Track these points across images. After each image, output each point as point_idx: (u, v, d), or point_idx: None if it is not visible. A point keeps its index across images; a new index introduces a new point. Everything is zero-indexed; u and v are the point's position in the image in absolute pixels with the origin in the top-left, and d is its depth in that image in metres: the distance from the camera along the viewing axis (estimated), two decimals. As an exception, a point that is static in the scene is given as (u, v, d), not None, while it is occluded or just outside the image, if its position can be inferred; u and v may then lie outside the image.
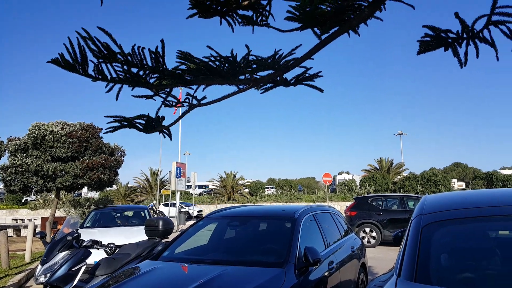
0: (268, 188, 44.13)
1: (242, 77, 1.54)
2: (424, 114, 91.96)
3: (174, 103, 1.58)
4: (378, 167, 39.98)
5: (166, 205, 29.57)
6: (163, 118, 1.60)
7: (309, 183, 70.05)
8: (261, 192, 37.49)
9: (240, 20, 1.45)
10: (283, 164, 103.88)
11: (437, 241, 1.99)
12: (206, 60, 1.46)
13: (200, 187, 45.15)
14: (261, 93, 1.58)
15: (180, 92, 7.55)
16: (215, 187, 38.48)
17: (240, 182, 37.32)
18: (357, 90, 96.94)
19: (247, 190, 37.92)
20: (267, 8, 1.54)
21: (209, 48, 1.43)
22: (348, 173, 62.20)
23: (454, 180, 47.27)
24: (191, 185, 26.85)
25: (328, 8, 1.32)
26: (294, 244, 3.73)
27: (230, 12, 1.57)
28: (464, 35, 1.28)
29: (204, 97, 1.57)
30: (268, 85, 1.54)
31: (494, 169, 41.61)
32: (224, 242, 4.67)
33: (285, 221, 4.26)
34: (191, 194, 31.94)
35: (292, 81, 1.58)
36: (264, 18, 1.50)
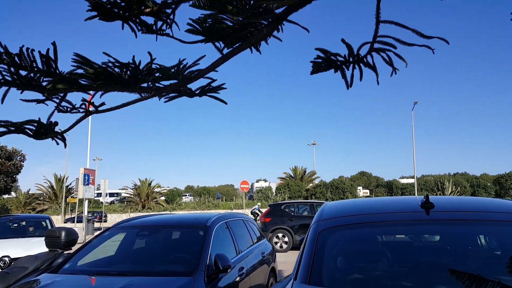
0: (186, 195, 43.35)
1: (145, 85, 1.52)
2: (334, 125, 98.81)
3: (68, 109, 1.49)
4: (292, 175, 41.76)
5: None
6: (55, 123, 1.50)
7: (228, 191, 70.48)
8: (178, 200, 36.68)
9: (139, 28, 1.42)
10: (202, 171, 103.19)
11: (332, 246, 2.14)
12: (105, 66, 1.41)
13: (111, 195, 42.56)
14: (164, 102, 1.57)
15: (90, 96, 7.08)
16: (128, 195, 36.60)
17: (156, 189, 36.08)
18: (275, 100, 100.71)
19: (163, 198, 36.79)
20: (172, 17, 1.54)
21: (105, 54, 1.39)
22: (265, 180, 63.96)
23: (360, 187, 51.40)
24: (101, 193, 25.20)
25: (230, 24, 1.38)
26: (205, 252, 3.73)
27: (134, 18, 1.54)
28: (351, 59, 1.43)
29: (103, 104, 1.51)
30: (172, 94, 1.54)
31: (394, 178, 46.32)
32: (132, 252, 4.47)
33: (198, 229, 4.24)
34: (101, 202, 29.97)
35: (197, 92, 1.60)
36: (168, 27, 1.50)
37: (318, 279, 1.85)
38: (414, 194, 33.36)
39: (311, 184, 40.27)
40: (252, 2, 1.36)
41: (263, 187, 41.64)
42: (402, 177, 58.42)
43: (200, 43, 1.55)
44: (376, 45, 1.38)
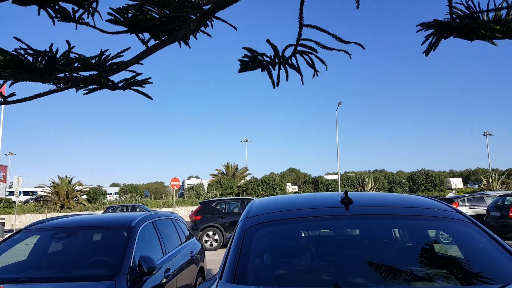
0: (111, 194, 41.25)
1: (62, 75, 1.40)
2: (266, 122, 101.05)
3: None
4: (225, 172, 41.84)
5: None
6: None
7: (157, 188, 68.52)
8: (102, 198, 34.76)
9: (54, 15, 1.31)
10: (130, 168, 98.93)
11: (258, 243, 2.17)
12: (16, 53, 1.28)
13: (26, 193, 39.05)
14: (83, 94, 1.46)
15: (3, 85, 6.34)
16: (45, 194, 33.78)
17: (77, 187, 33.78)
18: (208, 96, 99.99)
19: (85, 196, 34.59)
20: (94, 5, 1.45)
21: (17, 39, 1.26)
22: (197, 177, 63.29)
23: (289, 183, 53.16)
24: (13, 191, 22.96)
25: (156, 16, 1.33)
26: (128, 254, 3.58)
27: (52, 3, 1.42)
28: (276, 60, 1.46)
29: (13, 94, 1.37)
30: (92, 86, 1.44)
31: (320, 174, 48.64)
32: (47, 257, 4.13)
33: (121, 230, 4.04)
34: (14, 201, 27.25)
35: (120, 85, 1.52)
36: (89, 16, 1.40)
37: (243, 277, 1.85)
38: (337, 190, 35.34)
39: (243, 181, 40.67)
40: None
41: (195, 184, 41.12)
42: (327, 174, 61.58)
43: (125, 34, 1.48)
44: (299, 48, 1.43)
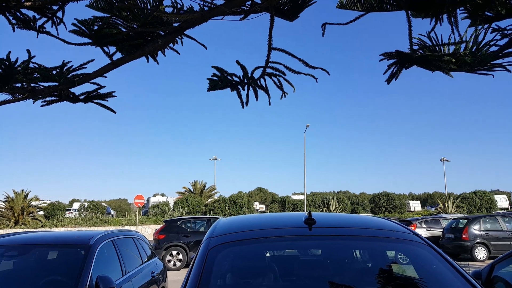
0: (70, 210, 39.47)
1: (19, 85, 1.34)
2: (235, 141, 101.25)
3: None
4: (192, 190, 41.17)
5: None
6: None
7: (120, 205, 66.44)
8: (61, 215, 33.14)
9: (15, 22, 1.26)
10: (92, 184, 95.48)
11: (221, 263, 2.14)
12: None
13: (-23, 208, 36.58)
14: (41, 106, 1.40)
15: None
16: (-2, 209, 31.85)
17: (34, 203, 32.08)
18: (176, 113, 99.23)
19: (42, 212, 32.87)
20: (60, 15, 1.41)
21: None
22: (163, 195, 61.94)
23: (257, 203, 53.07)
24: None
25: (124, 29, 1.31)
26: (85, 273, 3.41)
27: (13, 10, 1.36)
28: (245, 80, 1.47)
29: (-38, 103, 1.29)
30: (51, 98, 1.38)
31: (287, 194, 48.97)
32: (-4, 276, 3.86)
33: (78, 248, 3.86)
34: (-37, 217, 25.49)
35: (81, 97, 1.46)
36: (53, 25, 1.36)
37: None
38: (304, 210, 35.60)
39: (210, 199, 40.13)
40: (148, 11, 1.32)
41: (160, 202, 40.09)
42: (294, 194, 62.02)
43: (92, 46, 1.44)
44: (268, 70, 1.45)
